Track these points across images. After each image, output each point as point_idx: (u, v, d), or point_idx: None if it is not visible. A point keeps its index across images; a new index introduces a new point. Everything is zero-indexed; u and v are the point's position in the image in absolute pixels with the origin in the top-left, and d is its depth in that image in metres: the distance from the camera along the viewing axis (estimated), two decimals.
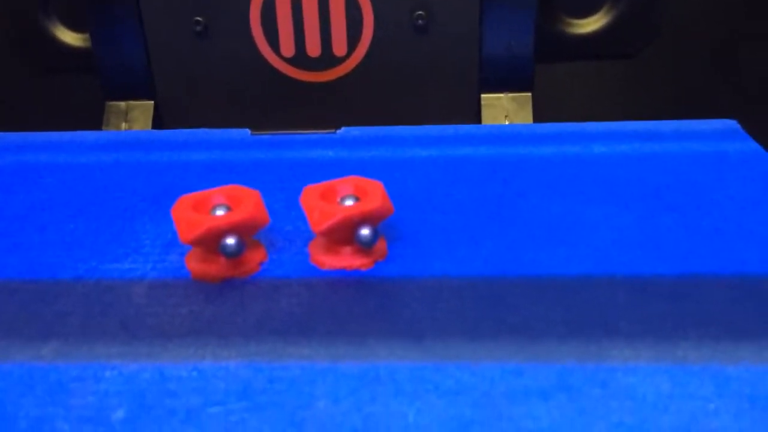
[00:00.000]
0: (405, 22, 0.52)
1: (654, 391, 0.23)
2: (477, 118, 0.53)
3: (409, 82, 0.53)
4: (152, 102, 0.55)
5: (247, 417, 0.23)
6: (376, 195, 0.30)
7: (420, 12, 0.51)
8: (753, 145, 0.41)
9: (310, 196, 0.31)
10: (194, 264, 0.31)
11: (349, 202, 0.31)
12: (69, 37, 0.59)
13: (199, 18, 0.52)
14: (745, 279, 0.29)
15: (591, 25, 0.58)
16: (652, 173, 0.38)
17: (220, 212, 0.30)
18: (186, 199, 0.31)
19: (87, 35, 0.58)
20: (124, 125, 0.55)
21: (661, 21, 0.58)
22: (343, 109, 0.54)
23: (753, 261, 0.30)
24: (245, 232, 0.30)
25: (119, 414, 0.23)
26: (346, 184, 0.31)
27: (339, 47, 0.53)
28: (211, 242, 0.30)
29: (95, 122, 0.56)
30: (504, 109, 0.53)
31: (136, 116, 0.55)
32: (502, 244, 0.32)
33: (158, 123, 0.55)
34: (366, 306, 0.29)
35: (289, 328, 0.27)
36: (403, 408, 0.23)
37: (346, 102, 0.54)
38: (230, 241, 0.29)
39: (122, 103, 0.55)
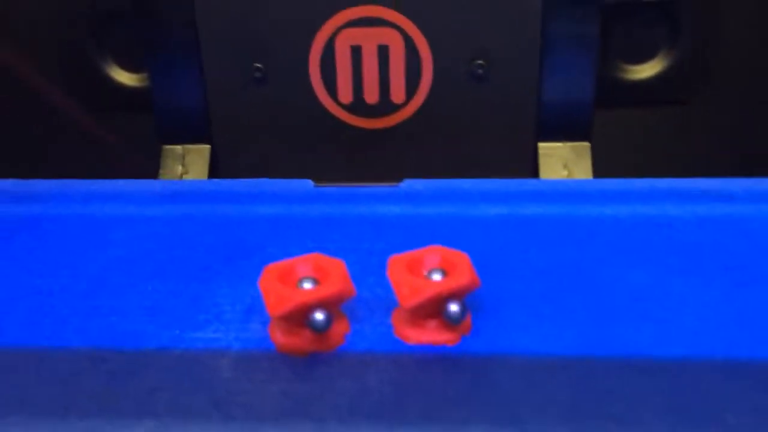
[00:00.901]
0: (464, 70, 0.52)
1: None
2: (534, 167, 0.53)
3: (467, 129, 0.53)
4: (209, 146, 0.55)
5: None
6: (463, 269, 0.30)
7: (479, 61, 0.51)
8: None
9: (396, 268, 0.31)
10: (280, 337, 0.31)
11: (437, 276, 0.30)
12: (124, 77, 0.60)
13: (258, 65, 0.53)
14: None
15: (647, 71, 0.58)
16: (730, 238, 0.37)
17: (307, 285, 0.30)
18: (272, 270, 0.31)
19: (142, 75, 0.59)
20: (180, 169, 0.55)
21: (716, 66, 0.58)
22: (400, 156, 0.54)
23: None
24: (332, 305, 0.30)
25: None
26: (432, 255, 0.31)
27: (397, 95, 0.53)
28: (299, 316, 0.30)
29: (150, 163, 0.57)
30: (562, 159, 0.53)
31: (193, 160, 0.55)
32: (588, 317, 0.32)
33: (214, 167, 0.55)
34: (457, 385, 0.28)
35: (383, 410, 0.27)
36: None
37: (404, 149, 0.54)
38: (319, 316, 0.29)
39: (179, 147, 0.55)
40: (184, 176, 0.55)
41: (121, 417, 0.27)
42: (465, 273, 0.30)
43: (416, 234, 0.39)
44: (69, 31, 0.59)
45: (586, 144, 0.53)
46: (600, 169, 0.54)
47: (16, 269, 0.37)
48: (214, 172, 0.55)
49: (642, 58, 0.58)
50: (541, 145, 0.53)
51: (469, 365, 0.29)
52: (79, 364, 0.30)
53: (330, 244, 0.35)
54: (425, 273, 0.31)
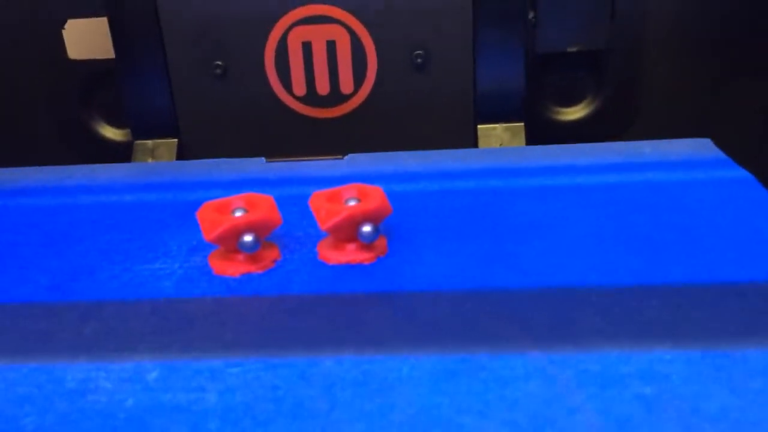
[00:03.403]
0: (405, 61, 0.57)
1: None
2: (474, 147, 0.57)
3: (411, 116, 0.58)
4: (176, 140, 0.60)
5: (263, 374, 0.27)
6: (376, 197, 0.35)
7: (419, 51, 0.56)
8: (723, 156, 0.45)
9: (317, 199, 0.35)
10: (216, 261, 0.35)
11: (352, 203, 0.35)
12: (110, 132, 0.67)
13: (218, 62, 0.58)
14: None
15: (577, 113, 0.65)
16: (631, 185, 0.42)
17: (239, 214, 0.34)
18: (209, 204, 0.35)
19: (126, 131, 0.66)
20: (150, 161, 0.59)
21: (642, 104, 0.64)
22: (350, 142, 0.58)
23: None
24: (261, 230, 0.34)
25: (153, 375, 0.27)
26: (350, 189, 0.36)
27: (346, 86, 0.58)
28: (230, 240, 0.34)
29: None
30: (499, 139, 0.57)
31: (162, 153, 0.60)
32: (491, 242, 0.36)
33: (181, 159, 0.60)
34: (366, 292, 0.32)
35: (301, 309, 0.31)
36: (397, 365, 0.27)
37: (353, 135, 0.59)
38: (248, 238, 0.34)
39: (149, 142, 0.60)
40: None
41: (70, 321, 0.31)
42: (377, 199, 0.34)
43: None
44: (60, 93, 0.67)
45: (521, 124, 0.57)
46: None
47: None
48: None
49: (572, 102, 0.65)
50: (480, 127, 0.58)
51: (380, 279, 0.33)
52: (43, 292, 0.34)
53: (276, 197, 0.39)
54: (343, 201, 0.35)
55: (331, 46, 0.57)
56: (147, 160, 0.60)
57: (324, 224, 0.34)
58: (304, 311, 0.31)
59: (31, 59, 0.65)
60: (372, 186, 0.36)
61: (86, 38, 0.61)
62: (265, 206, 0.35)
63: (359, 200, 0.35)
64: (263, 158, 0.50)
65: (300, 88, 0.58)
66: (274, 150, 0.59)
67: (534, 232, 0.37)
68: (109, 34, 0.57)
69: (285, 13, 0.56)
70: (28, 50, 0.65)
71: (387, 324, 0.30)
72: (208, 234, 0.34)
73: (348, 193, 0.35)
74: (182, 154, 0.60)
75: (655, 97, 0.65)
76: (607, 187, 0.42)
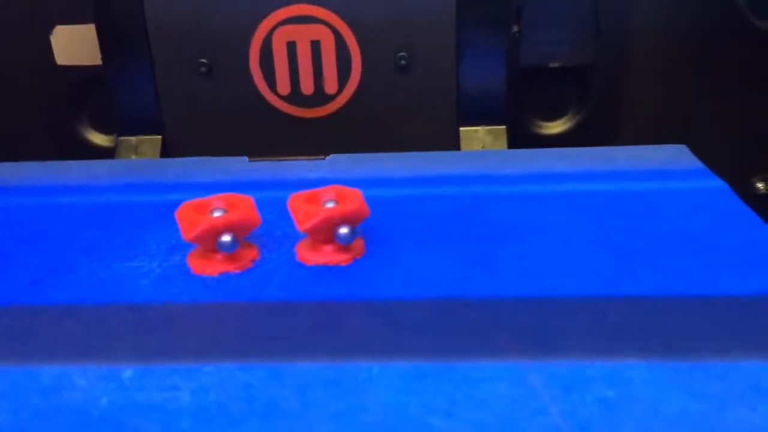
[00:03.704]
0: (389, 63, 0.57)
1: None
2: (456, 149, 0.58)
3: (394, 116, 0.59)
4: (160, 137, 0.60)
5: (237, 374, 0.27)
6: (354, 199, 0.35)
7: (402, 53, 0.57)
8: (698, 164, 0.45)
9: (296, 200, 0.35)
10: (194, 260, 0.35)
11: (330, 205, 0.35)
12: (97, 138, 0.68)
13: (203, 60, 0.58)
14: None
15: (558, 127, 0.66)
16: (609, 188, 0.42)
17: (217, 214, 0.35)
18: (188, 204, 0.35)
19: (113, 137, 0.65)
20: (134, 157, 0.60)
21: (625, 118, 0.65)
22: (333, 142, 0.59)
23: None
24: (239, 230, 0.35)
25: (128, 373, 0.28)
26: (328, 191, 0.36)
27: (330, 86, 0.58)
28: (209, 240, 0.34)
29: None
30: (481, 141, 0.58)
31: (145, 150, 0.60)
32: (466, 247, 0.36)
33: (165, 156, 0.60)
34: (342, 294, 0.33)
35: (276, 310, 0.32)
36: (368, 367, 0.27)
37: (337, 135, 0.59)
38: (226, 238, 0.34)
39: (133, 138, 0.60)
40: None
41: (49, 314, 0.31)
42: (355, 202, 0.35)
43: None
44: (49, 98, 0.67)
45: (502, 127, 0.58)
46: None
47: None
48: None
49: (555, 116, 0.66)
50: (462, 129, 0.58)
51: (356, 280, 0.34)
52: (23, 289, 0.34)
53: (256, 198, 0.39)
54: (321, 203, 0.36)
55: (315, 46, 0.57)
56: (130, 157, 0.60)
57: (302, 225, 0.34)
58: (280, 312, 0.31)
59: (20, 63, 0.65)
60: (350, 188, 0.36)
61: (74, 44, 0.62)
62: (244, 206, 0.35)
63: (337, 202, 0.35)
64: (246, 157, 0.51)
65: (284, 87, 0.58)
66: (257, 148, 0.59)
67: (509, 238, 0.37)
68: (96, 41, 0.58)
69: (270, 12, 0.56)
70: (16, 54, 0.65)
71: (360, 326, 0.31)
72: (187, 233, 0.34)
73: (326, 195, 0.36)
74: (166, 151, 0.60)
75: (637, 112, 0.66)
76: (585, 194, 0.42)
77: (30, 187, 0.47)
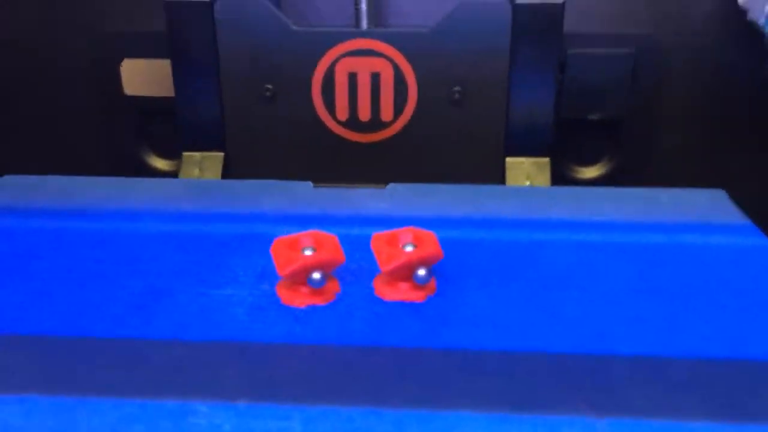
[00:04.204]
0: (443, 96, 0.61)
1: None
2: (502, 178, 0.62)
3: (445, 145, 0.62)
4: (222, 154, 0.64)
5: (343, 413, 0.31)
6: (430, 243, 0.39)
7: (457, 88, 0.60)
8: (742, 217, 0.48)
9: (378, 241, 0.39)
10: (283, 291, 0.39)
11: (409, 249, 0.39)
12: (160, 163, 0.72)
13: (268, 85, 0.61)
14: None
15: (594, 171, 0.70)
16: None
17: (308, 252, 0.38)
18: (280, 240, 0.39)
19: (174, 161, 0.70)
20: (197, 172, 0.63)
21: (657, 166, 0.69)
22: (387, 166, 0.62)
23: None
24: (327, 268, 0.38)
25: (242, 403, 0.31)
26: (406, 233, 0.40)
27: (386, 114, 0.62)
28: (301, 275, 0.38)
29: None
30: (525, 172, 0.61)
31: (208, 165, 0.64)
32: (526, 291, 0.40)
33: (227, 173, 0.64)
34: (420, 332, 0.37)
35: (361, 340, 0.35)
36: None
37: (391, 160, 0.63)
38: (316, 276, 0.38)
39: (197, 154, 0.64)
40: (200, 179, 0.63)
41: (152, 344, 0.35)
42: (431, 246, 0.39)
43: (396, 224, 0.47)
44: (114, 127, 0.72)
45: (546, 159, 0.61)
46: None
47: (63, 254, 0.45)
48: (227, 176, 0.63)
49: (590, 163, 0.70)
50: (509, 159, 0.62)
51: (432, 317, 0.38)
52: (131, 312, 0.38)
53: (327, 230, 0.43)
54: (400, 246, 0.39)
55: (375, 77, 0.61)
56: (194, 172, 0.64)
57: (385, 266, 0.38)
58: (363, 343, 0.35)
59: (88, 91, 0.70)
60: (426, 231, 0.40)
61: (142, 76, 0.66)
62: (330, 246, 0.39)
63: (415, 246, 0.39)
64: (310, 183, 0.54)
65: (343, 113, 0.62)
66: (315, 169, 0.63)
67: (570, 285, 0.40)
68: (164, 74, 0.61)
69: (334, 45, 0.60)
70: (86, 83, 0.70)
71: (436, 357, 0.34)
72: (282, 270, 0.38)
73: (405, 238, 0.40)
74: (227, 168, 0.64)
75: (670, 161, 0.70)
76: (638, 246, 0.45)
77: (107, 213, 0.50)
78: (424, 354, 0.35)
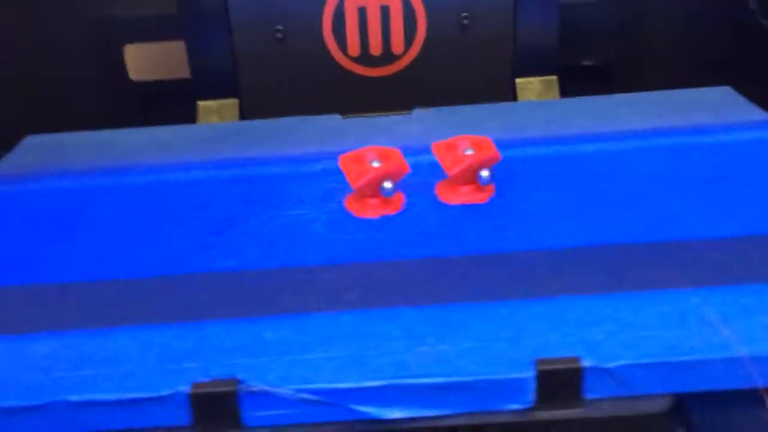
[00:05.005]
0: (452, 23, 0.63)
1: None
2: (513, 98, 0.64)
3: (457, 71, 0.64)
4: (237, 100, 0.64)
5: None
6: (489, 146, 0.41)
7: (464, 13, 0.62)
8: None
9: (439, 148, 0.41)
10: (354, 205, 0.41)
11: (469, 152, 0.41)
12: None
13: (279, 27, 0.62)
14: None
15: None
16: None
17: (376, 164, 0.40)
18: (346, 156, 0.41)
19: None
20: (215, 119, 0.64)
21: None
22: (402, 97, 0.64)
23: None
24: (396, 177, 0.40)
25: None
26: (464, 140, 0.42)
27: (397, 46, 0.63)
28: (373, 186, 0.40)
29: None
30: (535, 91, 0.64)
31: (224, 113, 0.64)
32: (576, 192, 0.42)
33: (243, 118, 0.64)
34: (484, 230, 0.39)
35: (430, 242, 0.38)
36: None
37: (404, 91, 0.64)
38: (387, 185, 0.40)
39: (212, 102, 0.64)
40: None
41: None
42: (491, 148, 0.41)
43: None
44: (121, 107, 0.71)
45: (554, 77, 0.64)
46: None
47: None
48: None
49: None
50: (518, 80, 0.64)
51: (494, 217, 0.40)
52: (207, 237, 0.40)
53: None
54: (461, 150, 0.41)
55: (384, 10, 0.62)
56: (211, 118, 0.64)
57: (450, 170, 0.40)
58: (430, 244, 0.38)
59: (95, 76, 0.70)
60: (482, 137, 0.42)
61: (147, 60, 0.66)
62: (395, 157, 0.41)
63: (474, 150, 0.41)
64: (338, 115, 0.56)
65: (354, 49, 0.63)
66: (330, 107, 0.64)
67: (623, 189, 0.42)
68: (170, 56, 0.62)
69: None
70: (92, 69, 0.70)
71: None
72: (355, 182, 0.40)
73: (463, 144, 0.42)
74: (243, 113, 0.64)
75: None
76: (670, 148, 0.47)
77: (156, 167, 0.50)
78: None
